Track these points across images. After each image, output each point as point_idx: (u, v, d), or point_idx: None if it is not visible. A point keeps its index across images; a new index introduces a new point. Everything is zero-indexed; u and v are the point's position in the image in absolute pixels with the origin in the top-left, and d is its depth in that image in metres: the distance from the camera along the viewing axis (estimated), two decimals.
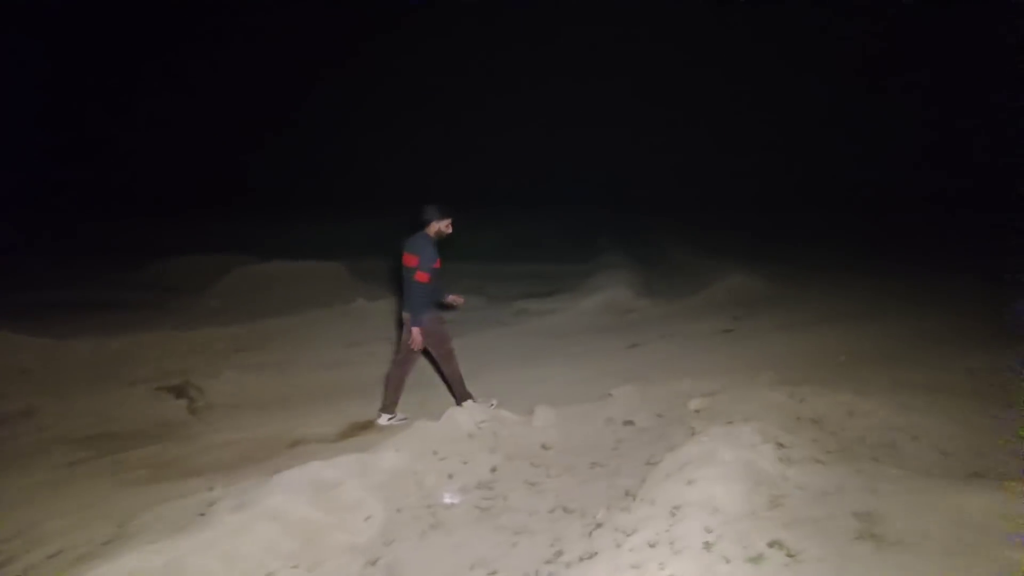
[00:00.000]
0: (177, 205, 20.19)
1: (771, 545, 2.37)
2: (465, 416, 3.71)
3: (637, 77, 30.32)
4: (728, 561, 2.26)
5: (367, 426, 4.56)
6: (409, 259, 4.41)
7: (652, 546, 2.39)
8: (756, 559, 2.30)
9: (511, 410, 4.16)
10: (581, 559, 2.53)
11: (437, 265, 4.44)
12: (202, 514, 2.96)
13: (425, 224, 4.48)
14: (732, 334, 7.11)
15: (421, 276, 4.35)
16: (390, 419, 4.75)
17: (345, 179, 25.74)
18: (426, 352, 4.72)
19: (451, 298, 4.70)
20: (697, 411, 4.40)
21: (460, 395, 4.71)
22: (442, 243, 4.55)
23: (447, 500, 3.13)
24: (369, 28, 29.42)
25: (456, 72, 30.11)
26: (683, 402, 4.55)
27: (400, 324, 4.61)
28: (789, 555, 2.34)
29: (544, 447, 3.76)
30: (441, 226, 4.49)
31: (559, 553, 2.67)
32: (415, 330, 4.42)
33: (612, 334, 7.17)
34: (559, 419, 4.13)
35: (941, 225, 17.03)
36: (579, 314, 8.16)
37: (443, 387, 5.10)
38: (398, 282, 4.58)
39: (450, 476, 3.33)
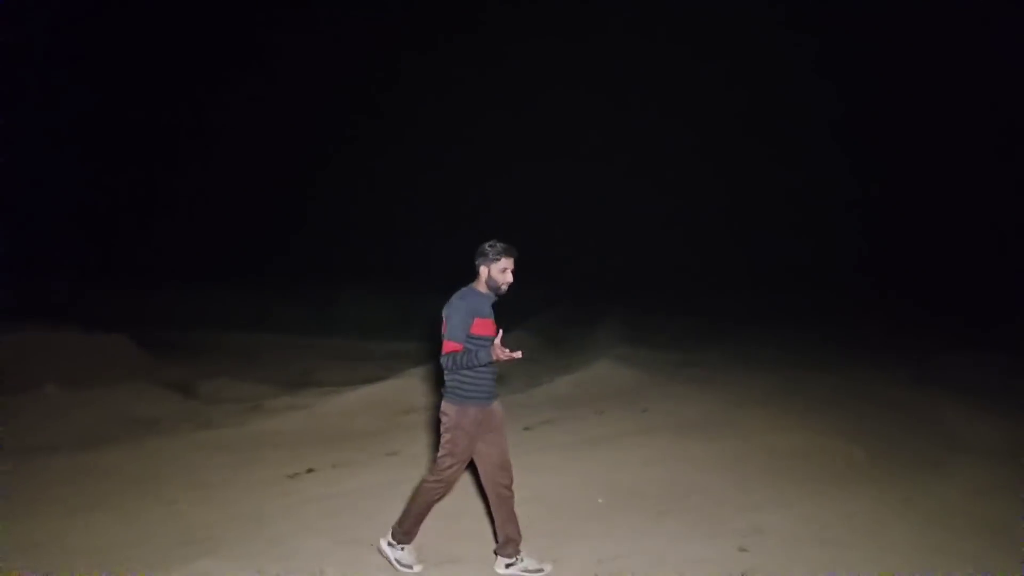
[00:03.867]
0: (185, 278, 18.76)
1: None
2: None
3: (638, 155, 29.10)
4: None
5: None
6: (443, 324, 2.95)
7: None
8: None
9: None
10: None
11: (478, 331, 2.89)
12: None
13: (476, 273, 3.03)
14: None
15: (447, 346, 2.87)
16: (510, 565, 3.04)
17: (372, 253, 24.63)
18: None
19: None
20: None
21: (403, 522, 3.05)
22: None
23: None
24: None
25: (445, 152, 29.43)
26: None
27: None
28: None
29: None
30: (493, 271, 2.98)
31: None
32: (450, 418, 2.94)
33: (316, 451, 5.13)
34: None
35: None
36: (323, 415, 6.12)
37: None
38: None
39: None
